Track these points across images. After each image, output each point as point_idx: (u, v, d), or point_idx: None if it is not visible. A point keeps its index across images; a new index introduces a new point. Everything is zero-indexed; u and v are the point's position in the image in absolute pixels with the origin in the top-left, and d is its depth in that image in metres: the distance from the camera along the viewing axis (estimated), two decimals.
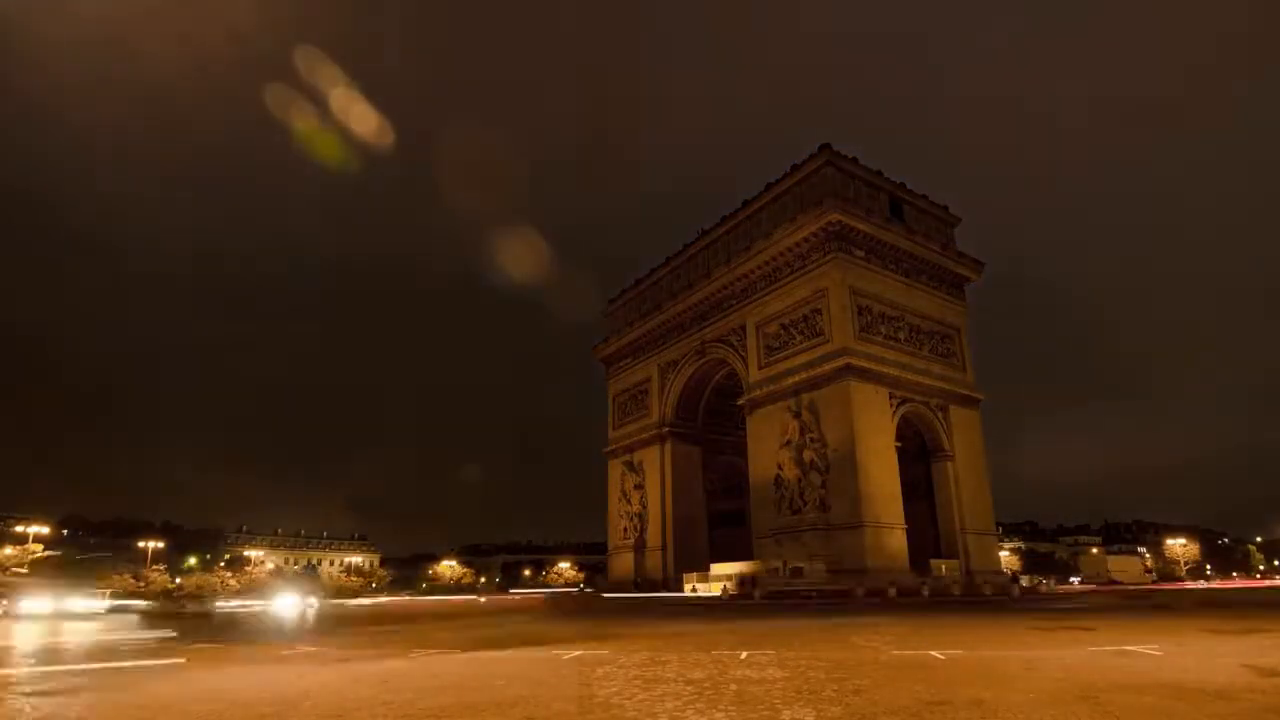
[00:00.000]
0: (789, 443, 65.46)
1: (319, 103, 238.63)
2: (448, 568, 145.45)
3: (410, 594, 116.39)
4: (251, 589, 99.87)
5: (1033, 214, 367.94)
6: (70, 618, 38.29)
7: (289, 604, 68.15)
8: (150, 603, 70.00)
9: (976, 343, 76.29)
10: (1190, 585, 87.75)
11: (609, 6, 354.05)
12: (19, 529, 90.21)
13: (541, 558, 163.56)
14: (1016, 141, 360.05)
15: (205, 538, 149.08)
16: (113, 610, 47.75)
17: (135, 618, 38.60)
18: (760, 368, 71.66)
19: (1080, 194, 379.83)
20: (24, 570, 74.29)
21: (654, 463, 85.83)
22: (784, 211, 71.29)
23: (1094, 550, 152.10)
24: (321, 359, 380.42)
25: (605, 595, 56.70)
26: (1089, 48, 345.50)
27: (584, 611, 40.97)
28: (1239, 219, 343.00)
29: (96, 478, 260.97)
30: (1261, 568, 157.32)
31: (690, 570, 70.68)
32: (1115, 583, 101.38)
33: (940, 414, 68.67)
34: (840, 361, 62.56)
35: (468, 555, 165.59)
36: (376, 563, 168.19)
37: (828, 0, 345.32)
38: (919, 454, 68.78)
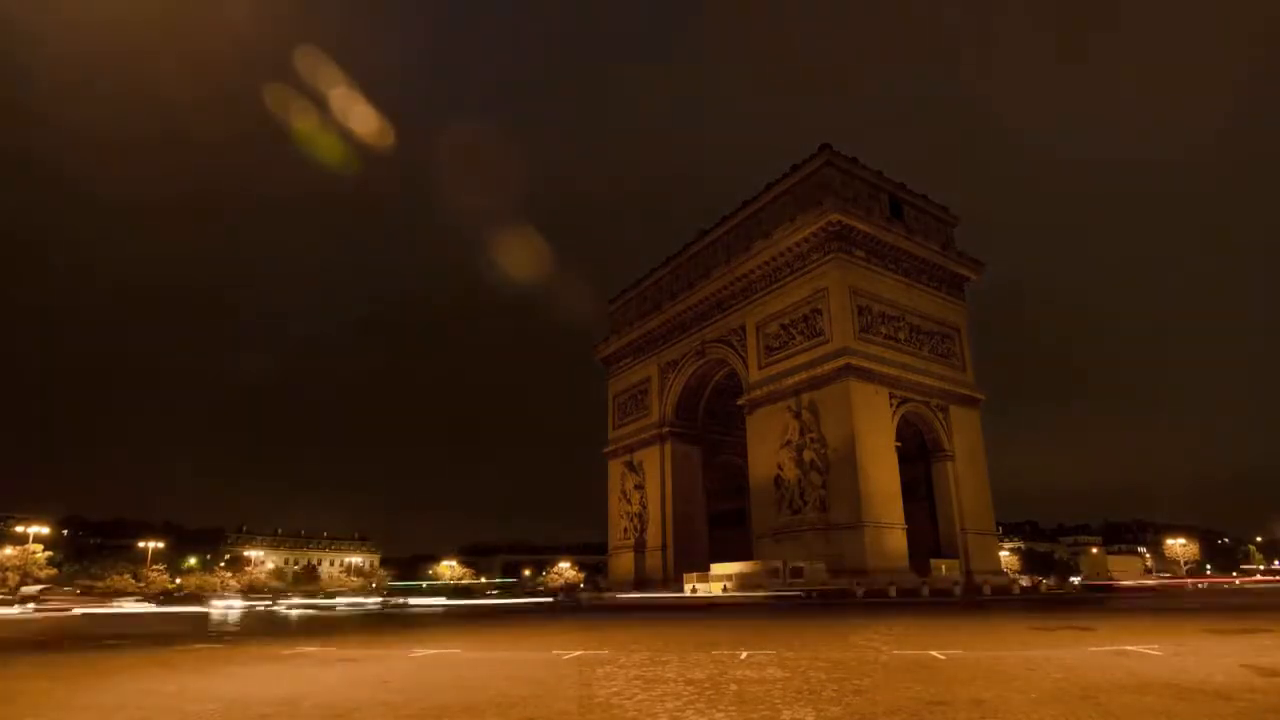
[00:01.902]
0: (789, 443, 65.45)
1: (319, 102, 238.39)
2: (447, 568, 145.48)
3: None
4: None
5: (1032, 215, 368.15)
6: None
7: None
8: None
9: (976, 343, 76.35)
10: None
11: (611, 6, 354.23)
12: (19, 529, 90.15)
13: (541, 558, 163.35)
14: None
15: (205, 538, 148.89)
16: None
17: None
18: (760, 368, 71.64)
19: (1077, 193, 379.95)
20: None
21: (654, 463, 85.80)
22: (784, 211, 71.28)
23: (1094, 550, 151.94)
24: (320, 358, 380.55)
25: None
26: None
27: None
28: (1235, 218, 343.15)
29: (96, 478, 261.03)
30: (1261, 568, 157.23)
31: (690, 570, 70.68)
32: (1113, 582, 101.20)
33: (940, 414, 68.66)
34: (840, 361, 62.56)
35: (468, 555, 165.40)
36: (376, 563, 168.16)
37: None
38: (919, 454, 68.78)
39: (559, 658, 13.85)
